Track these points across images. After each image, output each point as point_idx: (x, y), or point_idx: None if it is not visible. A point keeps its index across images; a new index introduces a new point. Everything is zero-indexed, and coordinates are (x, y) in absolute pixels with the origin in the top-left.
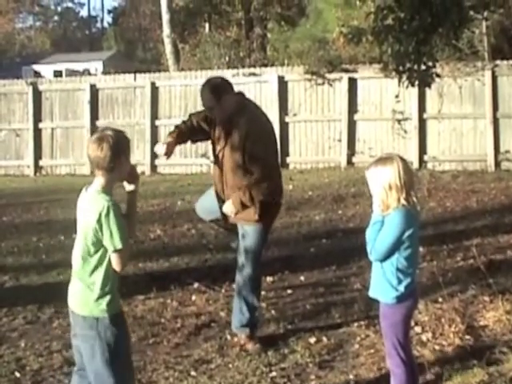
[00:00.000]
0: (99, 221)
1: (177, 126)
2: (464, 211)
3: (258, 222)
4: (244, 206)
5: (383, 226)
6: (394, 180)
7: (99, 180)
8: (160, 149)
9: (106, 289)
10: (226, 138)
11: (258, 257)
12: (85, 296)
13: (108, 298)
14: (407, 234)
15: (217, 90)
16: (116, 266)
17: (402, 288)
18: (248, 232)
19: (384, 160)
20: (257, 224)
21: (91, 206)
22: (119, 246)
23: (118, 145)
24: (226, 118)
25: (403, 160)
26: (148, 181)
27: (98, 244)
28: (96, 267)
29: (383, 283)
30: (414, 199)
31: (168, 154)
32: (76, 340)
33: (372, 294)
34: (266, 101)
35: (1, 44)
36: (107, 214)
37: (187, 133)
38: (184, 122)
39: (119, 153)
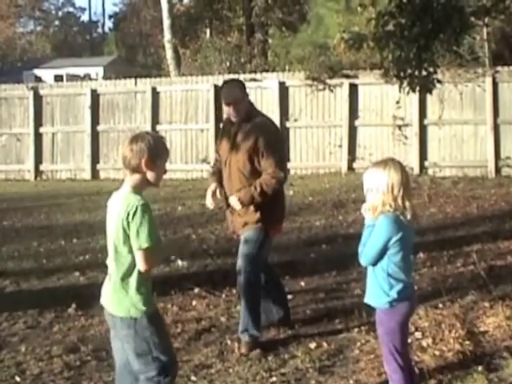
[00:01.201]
0: (127, 218)
1: (213, 173)
2: (464, 217)
3: (258, 224)
4: (251, 203)
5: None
6: (382, 184)
7: (128, 181)
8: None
9: (141, 289)
10: (233, 141)
11: (256, 262)
12: (121, 297)
13: (144, 297)
14: (394, 239)
15: (243, 86)
16: (140, 265)
17: (393, 293)
18: (249, 236)
19: (377, 164)
20: (258, 227)
21: (121, 205)
22: (144, 244)
23: (149, 148)
24: (242, 116)
25: (398, 165)
26: None
27: (129, 243)
28: (130, 267)
29: (376, 288)
30: (401, 204)
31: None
32: (117, 341)
33: (366, 299)
34: (266, 106)
35: (2, 48)
36: (135, 213)
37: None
38: (215, 168)
39: (143, 156)
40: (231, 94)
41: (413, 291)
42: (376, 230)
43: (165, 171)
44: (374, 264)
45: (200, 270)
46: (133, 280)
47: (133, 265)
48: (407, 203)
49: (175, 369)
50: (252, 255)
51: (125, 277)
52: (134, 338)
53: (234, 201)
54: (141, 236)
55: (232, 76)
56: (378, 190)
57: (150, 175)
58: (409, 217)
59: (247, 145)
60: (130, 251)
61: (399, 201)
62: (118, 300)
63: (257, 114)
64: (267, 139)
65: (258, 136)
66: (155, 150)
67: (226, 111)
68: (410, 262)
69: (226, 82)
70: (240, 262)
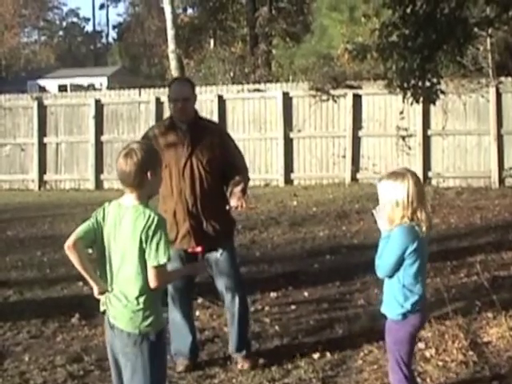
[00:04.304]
0: (147, 232)
1: None
2: (468, 228)
3: (231, 236)
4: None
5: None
6: (401, 197)
7: (132, 195)
8: None
9: (153, 304)
10: (192, 145)
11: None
12: (132, 312)
13: (155, 313)
14: (409, 250)
15: (193, 84)
16: (152, 281)
17: (408, 305)
18: (231, 250)
19: (396, 175)
20: (232, 238)
21: (137, 218)
22: (162, 260)
23: (147, 160)
24: (191, 116)
25: (415, 176)
26: None
27: (144, 258)
28: (145, 282)
29: (391, 299)
30: (420, 216)
31: None
32: (115, 357)
33: (382, 309)
34: (270, 117)
35: (6, 58)
36: (156, 227)
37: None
38: None
39: (147, 168)
40: (180, 91)
41: (424, 303)
42: (392, 241)
43: (161, 177)
44: (391, 275)
45: (203, 280)
46: (147, 295)
47: (147, 279)
48: (424, 215)
49: None
50: (238, 267)
51: (140, 292)
52: (137, 355)
53: (240, 200)
54: (160, 251)
55: (236, 87)
56: (398, 203)
57: (153, 185)
58: (424, 228)
59: (217, 146)
60: (145, 266)
61: (418, 213)
62: (129, 315)
63: (202, 118)
64: (231, 139)
65: (223, 136)
66: (155, 159)
67: (174, 108)
68: (424, 273)
69: (176, 80)
70: (233, 280)
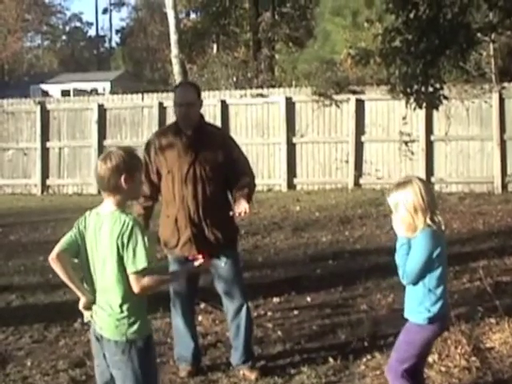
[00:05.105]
0: (122, 238)
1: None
2: (471, 233)
3: (236, 242)
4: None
5: (410, 248)
6: (417, 201)
7: (110, 201)
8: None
9: (138, 311)
10: (195, 151)
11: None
12: (117, 320)
13: (141, 320)
14: (435, 253)
15: (199, 89)
16: (134, 288)
17: (435, 309)
18: (234, 257)
19: (403, 183)
20: (236, 245)
21: (113, 225)
22: (141, 265)
23: (125, 163)
24: (195, 121)
25: (422, 181)
26: None
27: (124, 265)
28: (127, 290)
29: (416, 305)
30: (440, 218)
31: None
32: (103, 368)
33: (406, 315)
34: (273, 122)
35: (9, 63)
36: (131, 232)
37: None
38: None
39: (121, 173)
40: (185, 96)
41: (448, 308)
42: (417, 248)
43: (141, 182)
44: (417, 282)
45: (206, 285)
46: (131, 302)
47: (130, 286)
48: (440, 217)
49: None
50: (242, 276)
51: (123, 299)
52: (126, 363)
53: (246, 206)
54: (137, 257)
55: (239, 91)
56: (416, 208)
57: (130, 190)
58: (443, 228)
59: (221, 152)
60: (125, 273)
61: (437, 214)
62: (114, 323)
63: (208, 123)
64: (236, 145)
65: (229, 143)
66: (131, 164)
67: (178, 113)
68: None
69: (181, 84)
70: (238, 290)
